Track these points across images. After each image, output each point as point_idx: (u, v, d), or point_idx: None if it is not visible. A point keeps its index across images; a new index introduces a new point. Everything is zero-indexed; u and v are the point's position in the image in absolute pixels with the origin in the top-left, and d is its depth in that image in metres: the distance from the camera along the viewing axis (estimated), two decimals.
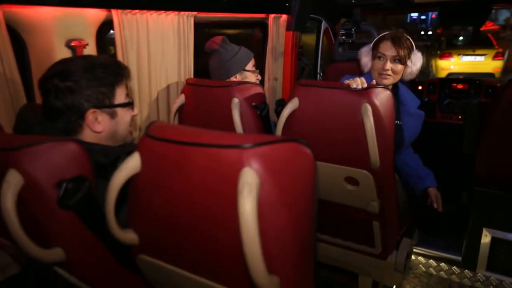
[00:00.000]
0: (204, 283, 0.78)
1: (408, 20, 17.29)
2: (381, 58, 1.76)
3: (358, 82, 1.34)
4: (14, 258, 1.17)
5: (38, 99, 1.30)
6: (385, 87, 1.36)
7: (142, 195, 0.80)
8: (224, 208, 0.67)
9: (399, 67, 1.74)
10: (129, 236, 0.84)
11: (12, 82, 1.13)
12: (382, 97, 1.32)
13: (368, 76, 1.87)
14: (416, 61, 1.79)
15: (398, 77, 1.78)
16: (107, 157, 0.97)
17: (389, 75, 1.74)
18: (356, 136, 1.34)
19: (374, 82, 1.75)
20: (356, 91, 1.32)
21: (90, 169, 0.88)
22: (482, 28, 8.58)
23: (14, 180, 0.77)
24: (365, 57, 1.89)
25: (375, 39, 1.85)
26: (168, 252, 0.82)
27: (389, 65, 1.72)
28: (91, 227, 0.89)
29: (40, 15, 1.16)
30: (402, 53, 1.71)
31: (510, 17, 14.12)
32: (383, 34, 1.81)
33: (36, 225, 0.83)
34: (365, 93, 1.30)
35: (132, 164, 0.77)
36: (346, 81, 1.38)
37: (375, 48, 1.80)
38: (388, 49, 1.73)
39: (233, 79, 1.80)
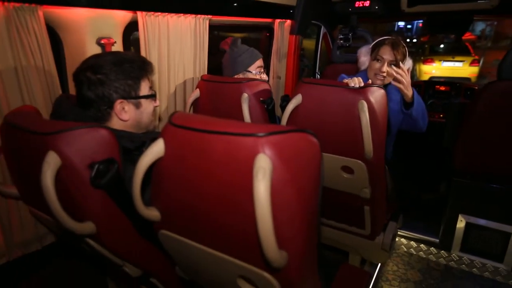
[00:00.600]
0: (218, 256, 0.78)
1: (396, 29, 17.09)
2: (379, 61, 1.74)
3: (356, 82, 1.33)
4: (50, 230, 1.18)
5: (72, 90, 1.30)
6: (379, 86, 1.35)
7: (165, 177, 0.79)
8: (240, 189, 0.67)
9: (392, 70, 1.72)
10: (152, 213, 0.84)
11: (49, 75, 1.12)
12: (377, 95, 1.31)
13: (363, 74, 1.86)
14: (407, 65, 1.78)
15: (390, 79, 1.76)
16: (133, 142, 0.97)
17: (384, 76, 1.73)
18: (353, 129, 1.33)
19: (370, 81, 1.74)
20: (353, 89, 1.31)
21: (118, 153, 0.88)
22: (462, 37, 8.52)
23: (53, 161, 0.77)
24: (365, 56, 1.89)
25: (375, 42, 1.83)
26: (187, 228, 0.82)
27: (385, 68, 1.71)
28: (119, 204, 0.88)
29: (75, 16, 1.14)
30: (398, 57, 1.70)
31: (485, 28, 14.08)
32: (383, 38, 1.79)
33: (71, 201, 0.82)
34: (362, 91, 1.29)
35: (157, 149, 0.77)
36: (345, 80, 1.37)
37: (374, 51, 1.79)
38: (387, 53, 1.72)
39: (237, 77, 1.79)
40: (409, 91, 1.68)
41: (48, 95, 1.15)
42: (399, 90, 1.92)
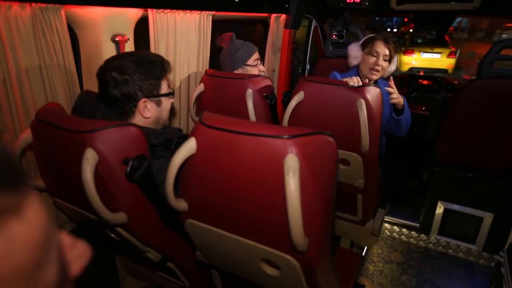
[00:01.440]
0: (244, 242, 0.88)
1: (377, 18, 17.28)
2: (375, 55, 1.82)
3: (355, 81, 1.43)
4: (71, 219, 1.23)
5: (85, 86, 1.34)
6: (375, 85, 1.45)
7: (196, 172, 0.88)
8: (269, 184, 0.76)
9: (386, 64, 1.83)
10: (181, 204, 0.92)
11: (69, 72, 1.16)
12: (373, 93, 1.42)
13: (354, 70, 1.95)
14: (394, 62, 1.88)
15: (383, 73, 1.87)
16: (158, 139, 1.04)
17: (378, 70, 1.82)
18: (351, 125, 1.43)
19: (366, 80, 1.84)
20: (353, 88, 1.41)
21: (147, 149, 0.95)
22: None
23: (91, 157, 0.84)
24: (357, 52, 1.94)
25: (367, 38, 1.91)
26: (214, 218, 0.91)
27: (381, 62, 1.80)
28: (148, 196, 0.96)
29: (93, 14, 1.18)
30: (391, 52, 1.80)
31: (462, 20, 14.48)
32: (373, 35, 1.89)
33: (106, 194, 0.89)
34: (360, 90, 1.39)
35: (190, 146, 0.84)
36: (344, 79, 1.47)
37: (368, 45, 1.86)
38: (381, 47, 1.80)
39: (236, 72, 1.84)
40: (400, 100, 1.77)
41: (69, 92, 1.19)
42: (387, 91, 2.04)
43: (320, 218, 0.79)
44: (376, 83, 1.95)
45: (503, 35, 13.11)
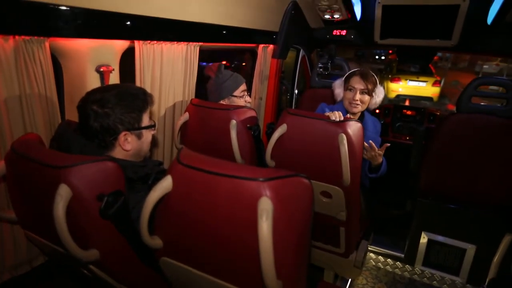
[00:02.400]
0: (219, 283, 0.86)
1: None
2: (352, 90, 1.88)
3: (337, 116, 1.46)
4: (44, 253, 1.19)
5: (67, 116, 1.33)
6: (357, 120, 1.48)
7: (171, 210, 0.87)
8: (243, 226, 0.76)
9: (366, 97, 1.87)
10: (155, 242, 0.91)
11: (50, 102, 1.16)
12: (354, 128, 1.44)
13: (341, 104, 2.00)
14: (379, 93, 1.93)
15: (365, 106, 1.91)
16: (136, 173, 1.03)
17: (357, 104, 1.87)
18: (332, 158, 1.45)
19: (348, 115, 1.87)
20: (334, 122, 1.44)
21: (124, 184, 0.94)
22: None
23: (65, 193, 0.82)
24: (338, 89, 2.02)
25: (346, 74, 1.98)
26: (189, 256, 0.90)
27: (358, 96, 1.85)
28: (123, 233, 0.94)
29: (78, 45, 1.19)
30: (369, 86, 1.85)
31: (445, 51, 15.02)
32: (353, 70, 1.95)
33: (78, 230, 0.87)
34: (341, 125, 1.42)
35: (165, 185, 0.84)
36: (327, 113, 1.50)
37: (346, 82, 1.93)
38: (357, 83, 1.86)
39: (222, 102, 1.87)
40: (377, 161, 1.77)
41: (49, 122, 1.18)
42: (375, 118, 2.09)
43: (294, 261, 0.79)
44: (363, 115, 2.00)
45: (484, 66, 13.74)
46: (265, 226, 0.70)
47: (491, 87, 3.14)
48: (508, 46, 2.47)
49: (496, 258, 1.95)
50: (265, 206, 0.71)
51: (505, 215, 2.09)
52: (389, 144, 1.70)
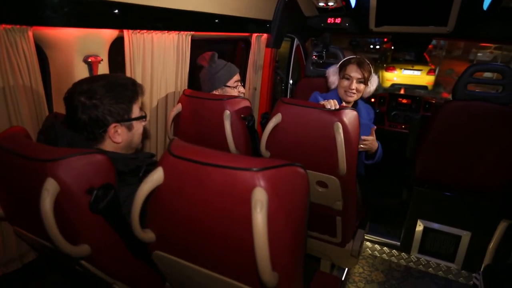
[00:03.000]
0: (213, 276, 0.84)
1: None
2: (348, 79, 1.85)
3: (332, 104, 1.43)
4: (34, 249, 1.17)
5: (55, 108, 1.29)
6: (352, 108, 1.46)
7: (163, 203, 0.84)
8: (237, 218, 0.74)
9: (362, 86, 1.85)
10: (148, 235, 0.89)
11: (36, 94, 1.12)
12: (350, 116, 1.42)
13: (334, 92, 1.97)
14: (374, 82, 1.90)
15: (360, 95, 1.88)
16: (126, 166, 1.00)
17: (353, 93, 1.85)
18: (328, 148, 1.43)
19: (344, 104, 1.85)
20: (330, 111, 1.41)
21: (114, 177, 0.91)
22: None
23: (52, 188, 0.79)
24: (333, 76, 1.98)
25: (342, 61, 1.94)
26: (182, 250, 0.87)
27: (354, 85, 1.83)
28: (114, 227, 0.92)
29: (64, 35, 1.14)
30: (365, 75, 1.82)
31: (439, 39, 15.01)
32: (349, 58, 1.91)
33: (67, 225, 0.85)
34: (337, 113, 1.40)
35: (156, 177, 0.81)
36: (321, 102, 1.47)
37: (342, 70, 1.90)
38: (354, 71, 1.84)
39: (215, 92, 1.83)
40: (373, 147, 1.78)
41: (35, 115, 1.14)
42: (369, 106, 2.07)
43: (290, 252, 0.77)
44: (356, 103, 1.97)
45: (479, 54, 13.71)
46: (259, 217, 0.67)
47: (485, 74, 3.12)
48: (504, 32, 2.44)
49: (491, 245, 1.96)
50: (259, 197, 0.69)
51: (500, 201, 2.10)
52: (375, 127, 1.70)
